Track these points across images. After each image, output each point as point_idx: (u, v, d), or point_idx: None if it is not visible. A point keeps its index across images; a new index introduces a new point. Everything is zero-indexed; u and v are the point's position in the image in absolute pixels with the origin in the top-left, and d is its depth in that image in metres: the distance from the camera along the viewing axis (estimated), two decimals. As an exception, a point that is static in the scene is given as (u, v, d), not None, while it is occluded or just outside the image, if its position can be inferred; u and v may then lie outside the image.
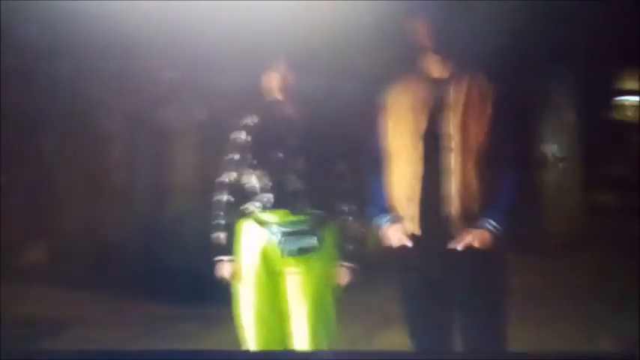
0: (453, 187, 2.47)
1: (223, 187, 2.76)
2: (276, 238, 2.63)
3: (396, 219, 2.60)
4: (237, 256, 2.73)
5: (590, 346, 3.97)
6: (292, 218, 2.63)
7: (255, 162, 2.68)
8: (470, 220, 2.49)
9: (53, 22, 4.33)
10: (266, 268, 2.68)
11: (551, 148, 7.04)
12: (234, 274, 2.73)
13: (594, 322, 4.32)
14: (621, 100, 9.35)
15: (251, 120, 2.75)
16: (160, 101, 5.27)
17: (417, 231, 2.53)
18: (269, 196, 2.64)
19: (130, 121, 5.48)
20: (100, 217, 5.59)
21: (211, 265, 2.80)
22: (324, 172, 2.66)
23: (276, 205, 2.63)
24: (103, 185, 5.63)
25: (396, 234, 2.58)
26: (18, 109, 5.60)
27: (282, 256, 2.63)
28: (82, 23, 4.21)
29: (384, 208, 2.63)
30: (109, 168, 5.59)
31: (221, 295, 2.90)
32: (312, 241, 2.62)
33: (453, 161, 2.47)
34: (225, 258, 2.74)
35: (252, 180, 2.67)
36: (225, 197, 2.75)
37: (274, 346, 2.73)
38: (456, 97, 2.51)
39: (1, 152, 5.54)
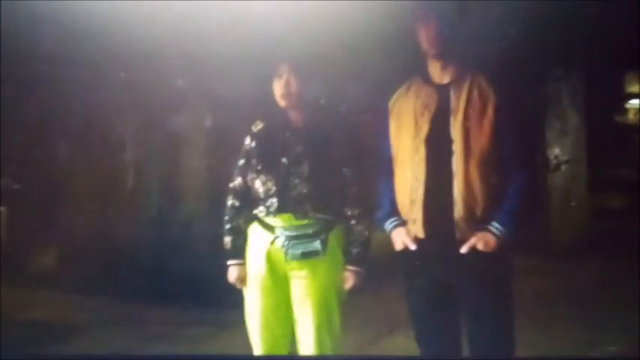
0: (456, 190, 2.48)
1: (231, 192, 2.80)
2: (280, 242, 2.64)
3: (401, 222, 2.62)
4: (246, 260, 2.76)
5: (596, 350, 3.97)
6: (296, 222, 2.64)
7: (260, 167, 2.70)
8: (474, 222, 2.50)
9: (66, 32, 4.37)
10: (271, 272, 2.69)
11: (555, 151, 7.05)
12: (242, 279, 2.76)
13: (600, 326, 4.32)
14: (626, 102, 9.34)
15: (256, 126, 2.78)
16: (168, 108, 5.31)
17: (422, 234, 2.54)
18: (273, 201, 2.66)
19: (140, 128, 5.52)
20: (109, 222, 5.62)
21: (220, 269, 2.82)
22: (329, 177, 2.68)
23: (281, 210, 2.65)
24: (111, 190, 5.67)
25: (401, 237, 2.60)
26: (30, 116, 5.66)
27: (285, 260, 2.64)
28: (95, 33, 4.25)
29: (390, 211, 2.66)
30: (117, 173, 5.63)
31: (230, 299, 2.92)
32: (316, 245, 2.62)
33: (457, 164, 2.48)
34: (232, 262, 2.77)
35: (257, 185, 2.70)
36: (232, 202, 2.79)
37: (279, 350, 2.74)
38: (458, 100, 2.52)
39: (11, 157, 5.60)
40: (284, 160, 2.66)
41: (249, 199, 2.74)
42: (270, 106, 2.75)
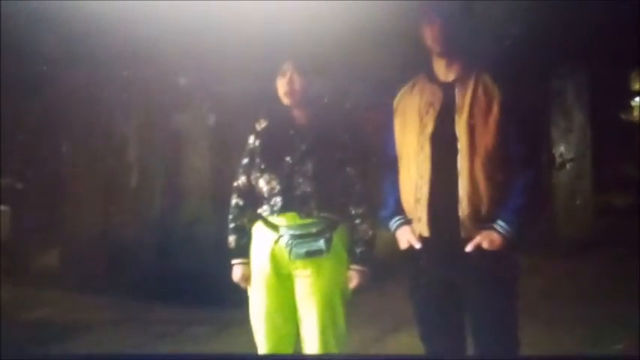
0: (461, 188, 2.47)
1: (235, 191, 2.79)
2: (284, 241, 2.63)
3: (405, 221, 2.61)
4: (250, 259, 2.76)
5: (601, 348, 3.97)
6: (301, 221, 2.63)
7: (264, 166, 2.69)
8: (479, 221, 2.49)
9: (68, 31, 4.38)
10: (275, 271, 2.69)
11: (560, 149, 7.03)
12: (247, 278, 2.75)
13: (604, 324, 4.31)
14: (631, 100, 9.32)
15: (260, 124, 2.78)
16: (171, 107, 5.32)
17: (426, 233, 2.53)
18: (277, 200, 2.65)
19: (143, 127, 5.53)
20: (112, 221, 5.63)
21: (222, 268, 2.82)
22: (333, 176, 2.67)
23: (285, 209, 2.64)
24: (114, 190, 5.68)
25: (405, 236, 2.59)
26: (31, 115, 5.67)
27: (290, 258, 2.63)
28: (97, 32, 4.26)
29: (394, 210, 2.64)
30: (121, 172, 5.64)
31: (234, 298, 2.92)
32: (320, 244, 2.61)
33: (461, 163, 2.47)
34: (237, 261, 2.77)
35: (261, 184, 2.69)
36: (236, 201, 2.79)
37: (284, 349, 2.73)
38: (463, 98, 2.51)
39: (14, 156, 5.62)
40: (288, 158, 2.65)
41: (253, 198, 2.74)
42: (274, 104, 2.74)
